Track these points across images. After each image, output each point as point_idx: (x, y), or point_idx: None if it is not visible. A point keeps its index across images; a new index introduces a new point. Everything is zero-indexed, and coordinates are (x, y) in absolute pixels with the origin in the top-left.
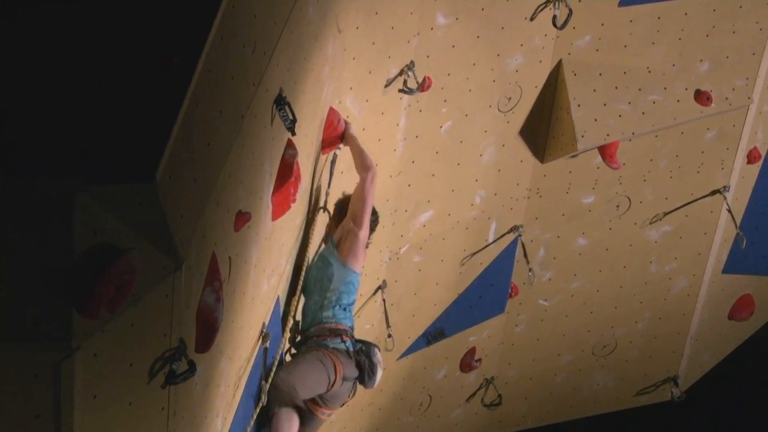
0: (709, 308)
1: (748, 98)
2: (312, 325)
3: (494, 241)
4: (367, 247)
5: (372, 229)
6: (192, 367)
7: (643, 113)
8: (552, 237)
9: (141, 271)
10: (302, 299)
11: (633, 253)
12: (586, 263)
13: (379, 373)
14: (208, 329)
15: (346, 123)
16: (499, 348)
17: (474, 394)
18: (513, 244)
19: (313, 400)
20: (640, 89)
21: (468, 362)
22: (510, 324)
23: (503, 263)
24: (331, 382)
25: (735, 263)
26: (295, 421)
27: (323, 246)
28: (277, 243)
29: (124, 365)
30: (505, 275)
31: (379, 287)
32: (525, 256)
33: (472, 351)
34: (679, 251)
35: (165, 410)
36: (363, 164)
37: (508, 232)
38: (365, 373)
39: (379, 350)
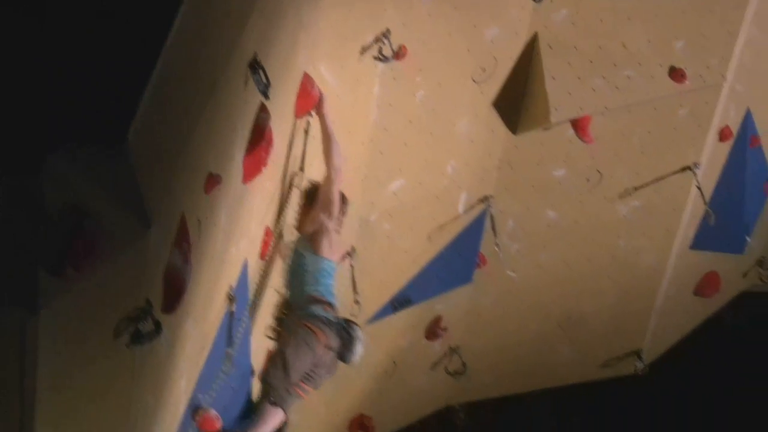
0: (676, 284)
1: (722, 77)
2: (296, 300)
3: (464, 212)
4: (338, 231)
5: (343, 213)
6: (158, 327)
7: (617, 88)
8: (522, 209)
9: (110, 232)
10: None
11: (602, 228)
12: (555, 236)
13: (359, 348)
14: (175, 290)
15: (321, 98)
16: (466, 317)
17: (439, 362)
18: (482, 215)
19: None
20: (614, 64)
21: (434, 330)
22: (477, 294)
23: (472, 234)
24: (316, 354)
25: (702, 240)
26: (280, 415)
27: (296, 239)
28: (247, 206)
29: (90, 324)
30: (473, 245)
31: (348, 253)
32: (493, 228)
33: (438, 320)
34: (647, 227)
35: (130, 369)
36: (331, 160)
37: (477, 203)
38: (344, 346)
39: (360, 329)
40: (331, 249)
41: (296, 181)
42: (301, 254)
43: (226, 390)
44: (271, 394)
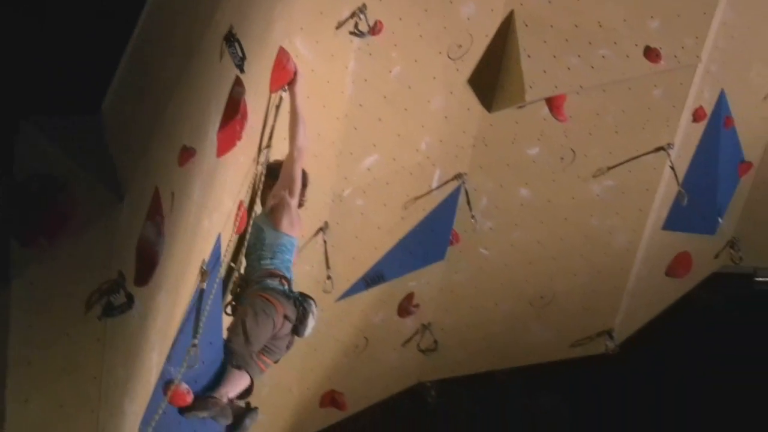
0: (647, 264)
1: (697, 57)
2: (252, 274)
3: (438, 188)
4: (302, 206)
5: (303, 186)
6: (130, 299)
7: (592, 67)
8: (495, 186)
9: (82, 203)
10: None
11: (575, 207)
12: (528, 214)
13: (311, 323)
14: (148, 263)
15: (295, 74)
16: (438, 295)
17: (410, 338)
18: (456, 192)
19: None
20: (590, 43)
21: (406, 307)
22: (449, 271)
23: (446, 211)
24: (276, 324)
25: (675, 221)
26: (246, 378)
27: (258, 214)
28: (220, 180)
29: (62, 296)
30: (446, 223)
31: (321, 229)
32: (468, 204)
33: (410, 296)
34: (620, 206)
35: (101, 342)
36: (295, 139)
37: (451, 180)
38: (298, 319)
39: (315, 304)
40: (291, 225)
41: (262, 157)
42: (261, 228)
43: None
44: (234, 359)
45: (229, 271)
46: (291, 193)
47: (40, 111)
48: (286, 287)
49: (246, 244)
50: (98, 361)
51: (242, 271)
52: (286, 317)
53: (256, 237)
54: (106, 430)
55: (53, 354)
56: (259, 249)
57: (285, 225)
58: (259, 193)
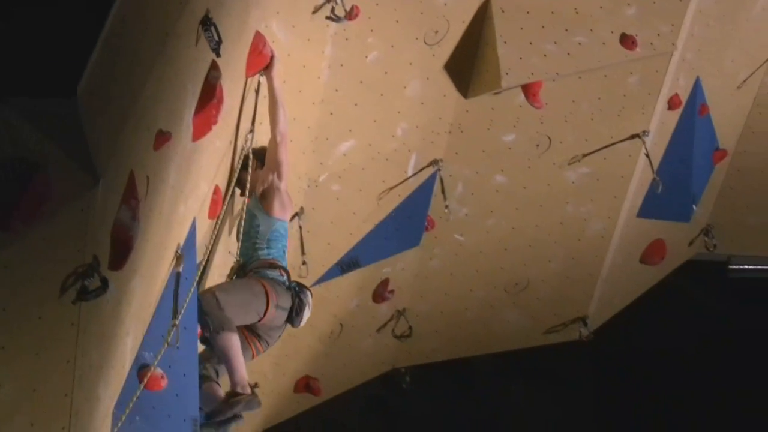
0: (622, 251)
1: (673, 45)
2: (251, 262)
3: (413, 175)
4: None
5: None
6: (104, 284)
7: (569, 54)
8: (471, 173)
9: (58, 186)
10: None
11: (550, 193)
12: (504, 201)
13: (306, 314)
14: (123, 247)
15: (272, 59)
16: (413, 281)
17: (385, 324)
18: (432, 178)
19: (250, 333)
20: (566, 30)
21: (381, 293)
22: (425, 257)
23: (421, 197)
24: (265, 310)
25: (650, 208)
26: (236, 339)
27: (248, 200)
28: (196, 164)
29: (36, 279)
30: (422, 209)
31: (296, 214)
32: (443, 191)
33: (385, 282)
34: (595, 193)
35: (75, 326)
36: (277, 125)
37: (427, 166)
38: (293, 310)
39: (311, 294)
40: (283, 208)
41: (247, 142)
42: (254, 215)
43: (171, 349)
44: (211, 322)
45: (206, 252)
46: (279, 177)
47: (15, 93)
48: (285, 278)
49: (240, 230)
50: (72, 345)
51: (238, 256)
52: (279, 307)
53: (250, 224)
54: (79, 414)
55: (27, 337)
56: (254, 237)
57: (277, 209)
58: (244, 178)
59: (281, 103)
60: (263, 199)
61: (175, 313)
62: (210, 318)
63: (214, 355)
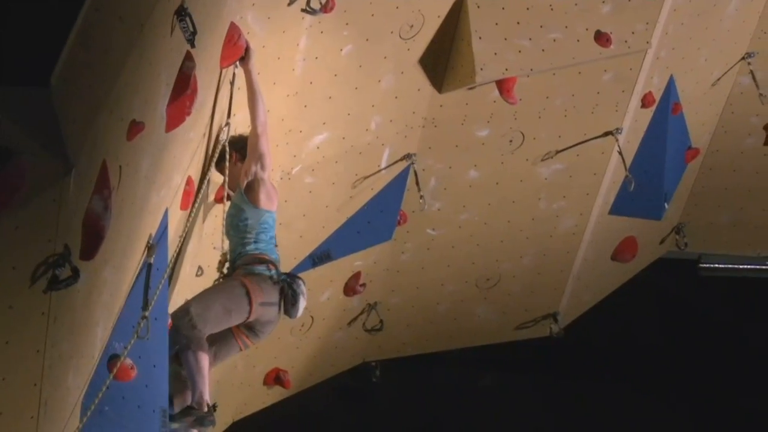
0: (594, 248)
1: (647, 43)
2: (239, 258)
3: (386, 168)
4: None
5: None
6: (75, 273)
7: (543, 50)
8: (444, 167)
9: (30, 175)
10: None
11: (523, 189)
12: (476, 196)
13: (302, 303)
14: (95, 237)
15: (248, 50)
16: (384, 274)
17: (356, 318)
18: (405, 172)
19: (241, 327)
20: (541, 26)
21: (352, 286)
22: (396, 251)
23: (394, 190)
24: (249, 310)
25: (622, 205)
26: (205, 360)
27: (233, 194)
28: (169, 155)
29: (7, 268)
30: (395, 202)
31: None
32: (417, 184)
33: (357, 275)
34: (568, 190)
35: (45, 315)
36: (256, 116)
37: (400, 160)
38: (288, 301)
39: (304, 283)
40: (270, 199)
41: (222, 134)
42: (241, 209)
43: (142, 339)
44: (182, 338)
45: (178, 243)
46: (263, 167)
47: None
48: (273, 272)
49: (224, 224)
50: (42, 334)
51: (225, 249)
52: (264, 304)
53: (238, 219)
54: (48, 404)
55: None
56: (242, 231)
57: (263, 200)
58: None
59: (259, 93)
60: (249, 191)
61: (145, 304)
62: (180, 335)
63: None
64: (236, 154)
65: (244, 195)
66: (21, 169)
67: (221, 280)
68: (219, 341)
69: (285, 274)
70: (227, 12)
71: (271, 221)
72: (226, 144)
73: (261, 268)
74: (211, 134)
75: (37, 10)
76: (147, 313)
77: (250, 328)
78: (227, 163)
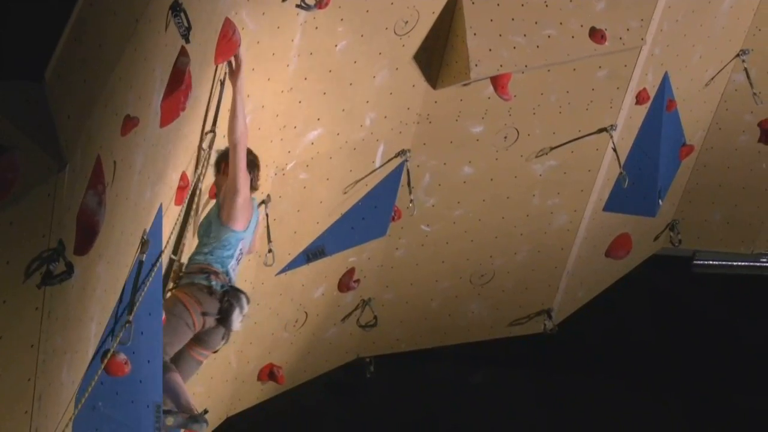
0: (588, 244)
1: (642, 39)
2: (188, 265)
3: (381, 165)
4: (256, 189)
5: (253, 169)
6: (69, 269)
7: (538, 47)
8: (438, 164)
9: (23, 170)
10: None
11: (517, 185)
12: (470, 192)
13: (236, 317)
14: (89, 232)
15: (238, 66)
16: (378, 270)
17: (350, 314)
18: (399, 168)
19: (190, 346)
20: (536, 22)
21: (346, 282)
22: (390, 247)
23: (388, 187)
24: (193, 324)
25: (616, 202)
26: (177, 378)
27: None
28: (163, 150)
29: (1, 263)
30: (389, 198)
31: (263, 202)
32: (408, 183)
33: (351, 271)
34: (562, 186)
35: (39, 310)
36: (231, 134)
37: (395, 156)
38: (225, 313)
39: (247, 299)
40: (234, 219)
41: (205, 142)
42: (210, 221)
43: (136, 335)
44: None
45: (172, 238)
46: (233, 189)
47: None
48: (214, 282)
49: (198, 228)
50: (36, 329)
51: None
52: (203, 314)
53: (205, 227)
54: (42, 399)
55: None
56: (203, 240)
57: (231, 219)
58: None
59: (239, 111)
60: (221, 207)
61: (131, 309)
62: None
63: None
64: (225, 165)
65: (217, 208)
66: (14, 165)
67: (168, 293)
68: (177, 361)
69: (229, 286)
70: (222, 7)
71: (234, 241)
72: (210, 152)
73: (200, 278)
74: (204, 129)
75: (31, 5)
76: (131, 318)
77: (198, 340)
78: (203, 170)
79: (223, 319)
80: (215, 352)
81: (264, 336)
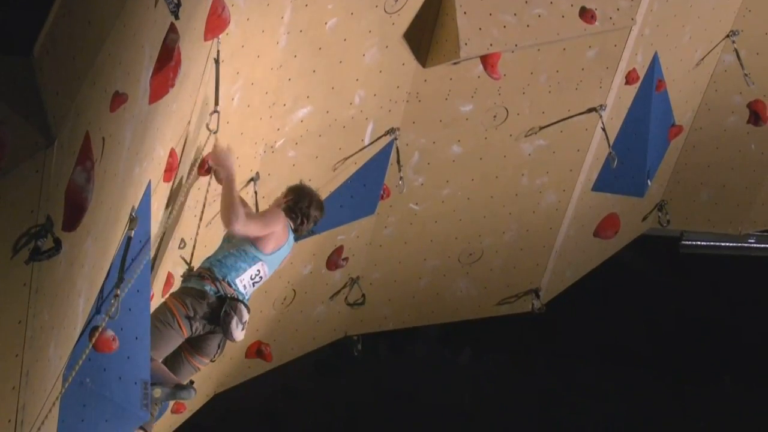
0: (576, 224)
1: (632, 19)
2: (196, 269)
3: (370, 144)
4: (298, 233)
5: (299, 216)
6: (57, 245)
7: (528, 26)
8: (427, 142)
9: (12, 146)
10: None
11: (506, 165)
12: (459, 171)
13: (235, 327)
14: (77, 208)
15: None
16: (367, 248)
17: (338, 292)
18: (388, 147)
19: (187, 352)
20: (526, 2)
21: (335, 261)
22: (379, 225)
23: (377, 165)
24: (180, 328)
25: (604, 182)
26: (159, 365)
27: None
28: (152, 127)
29: None
30: (378, 177)
31: (252, 179)
32: (398, 162)
33: (339, 250)
34: (551, 166)
35: (27, 286)
36: (228, 223)
37: (384, 135)
38: (221, 322)
39: (248, 309)
40: (264, 241)
41: (212, 123)
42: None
43: (124, 312)
44: None
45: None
46: (265, 228)
47: None
48: (208, 287)
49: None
50: (24, 305)
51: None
52: (187, 318)
53: (231, 234)
54: (30, 375)
55: None
56: (223, 247)
57: (257, 239)
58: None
59: (235, 209)
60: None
61: (118, 282)
62: None
63: None
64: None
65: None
66: (2, 140)
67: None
68: (175, 369)
69: (228, 296)
70: None
71: (251, 257)
72: (216, 133)
73: (194, 281)
74: (194, 106)
75: None
76: (118, 291)
77: (194, 346)
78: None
79: (221, 328)
80: (212, 360)
81: (252, 313)
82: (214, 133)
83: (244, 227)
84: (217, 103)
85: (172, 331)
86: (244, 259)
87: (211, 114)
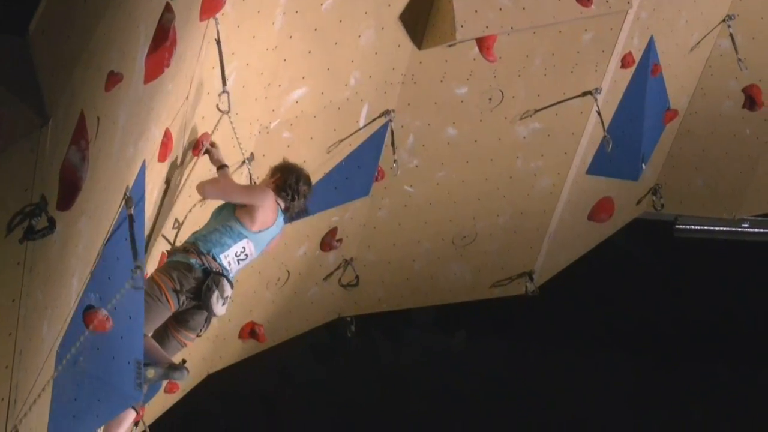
0: (570, 208)
1: (628, 3)
2: (183, 244)
3: (365, 125)
4: (288, 212)
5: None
6: (51, 224)
7: (524, 9)
8: (422, 125)
9: (6, 124)
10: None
11: (501, 148)
12: (454, 153)
13: (215, 301)
14: (71, 187)
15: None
16: (361, 230)
17: (332, 273)
18: (383, 128)
19: (173, 323)
20: None
21: (329, 242)
22: (373, 207)
23: (372, 147)
24: (167, 302)
25: (599, 165)
26: (152, 343)
27: None
28: (147, 107)
29: None
30: (373, 159)
31: (246, 160)
32: (392, 144)
33: (333, 231)
34: (546, 149)
35: (21, 265)
36: (202, 191)
37: (379, 116)
38: (203, 295)
39: (231, 285)
40: (251, 219)
41: (223, 103)
42: (226, 205)
43: (118, 291)
44: None
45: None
46: (250, 203)
47: None
48: (193, 260)
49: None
50: (18, 284)
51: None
52: (177, 291)
53: (219, 210)
54: (23, 354)
55: None
56: (209, 223)
57: (243, 215)
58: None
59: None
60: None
61: (135, 255)
62: None
63: None
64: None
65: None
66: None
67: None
68: (161, 344)
69: (212, 271)
70: None
71: (236, 234)
72: (229, 114)
73: (180, 256)
74: (190, 85)
75: None
76: (138, 262)
77: (180, 321)
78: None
79: (203, 302)
80: (198, 335)
81: (246, 294)
82: (227, 113)
83: (221, 190)
84: (224, 83)
85: (160, 305)
86: (230, 235)
87: (220, 95)
